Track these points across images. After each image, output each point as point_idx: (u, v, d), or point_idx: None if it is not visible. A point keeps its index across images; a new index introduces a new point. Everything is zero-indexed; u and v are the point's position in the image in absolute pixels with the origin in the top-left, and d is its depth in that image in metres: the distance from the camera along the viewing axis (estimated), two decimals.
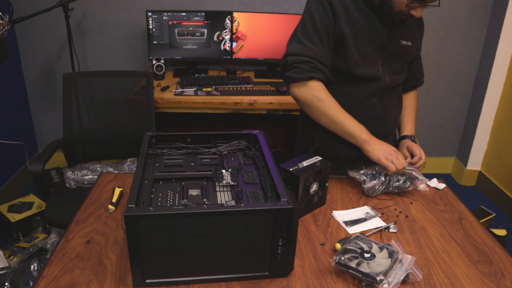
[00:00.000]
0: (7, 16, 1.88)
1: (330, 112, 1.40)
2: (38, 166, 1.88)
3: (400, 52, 1.48)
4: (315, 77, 1.38)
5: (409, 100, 1.68)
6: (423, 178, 1.48)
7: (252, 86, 2.64)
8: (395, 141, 1.67)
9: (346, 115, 1.41)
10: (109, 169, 2.16)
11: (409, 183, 1.43)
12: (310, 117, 1.47)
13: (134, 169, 1.32)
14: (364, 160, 1.48)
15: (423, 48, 3.14)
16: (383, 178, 1.41)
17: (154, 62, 2.70)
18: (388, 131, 1.58)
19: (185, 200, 1.02)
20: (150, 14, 2.70)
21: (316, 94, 1.39)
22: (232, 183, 1.11)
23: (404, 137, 1.62)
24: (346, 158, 1.51)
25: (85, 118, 2.21)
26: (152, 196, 1.05)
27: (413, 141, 1.59)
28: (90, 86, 2.21)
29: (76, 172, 2.10)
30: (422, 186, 1.49)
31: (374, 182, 1.40)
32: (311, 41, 1.37)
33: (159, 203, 1.02)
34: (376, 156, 1.39)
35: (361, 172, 1.43)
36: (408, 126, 1.64)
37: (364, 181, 1.40)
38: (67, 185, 2.08)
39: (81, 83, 2.18)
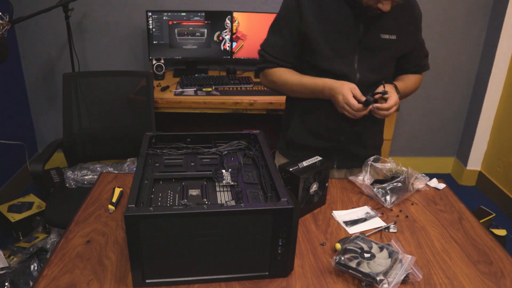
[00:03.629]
0: (7, 16, 1.88)
1: (287, 85, 1.46)
2: (38, 166, 1.88)
3: (380, 47, 1.42)
4: (267, 67, 1.48)
5: (409, 76, 1.60)
6: (421, 176, 1.47)
7: (252, 86, 2.64)
8: (375, 141, 1.61)
9: (302, 78, 1.44)
10: (109, 169, 2.16)
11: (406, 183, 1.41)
12: (286, 105, 1.61)
13: (134, 169, 1.32)
14: (336, 151, 1.53)
15: None
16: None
17: (154, 62, 2.70)
18: (359, 131, 1.51)
19: (185, 200, 1.02)
20: (150, 14, 2.70)
21: (270, 79, 1.49)
22: (232, 183, 1.11)
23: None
24: (318, 149, 1.49)
25: (85, 118, 2.21)
26: (152, 196, 1.05)
27: (395, 87, 1.46)
28: (90, 86, 2.21)
29: (76, 172, 2.10)
30: (421, 186, 1.49)
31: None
32: (272, 33, 1.47)
33: (159, 203, 1.02)
34: (333, 100, 1.39)
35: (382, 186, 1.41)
36: (397, 81, 1.53)
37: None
38: (67, 185, 2.08)
39: (81, 83, 2.18)
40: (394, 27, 1.42)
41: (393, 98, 1.36)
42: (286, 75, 1.46)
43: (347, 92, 1.34)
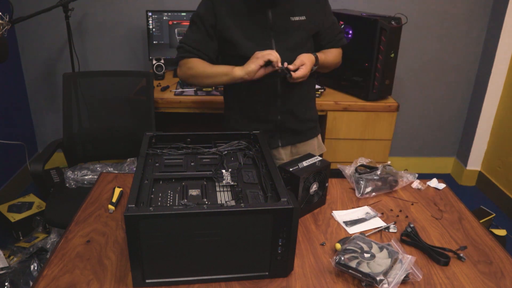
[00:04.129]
0: (7, 16, 1.88)
1: (201, 71, 1.55)
2: (38, 166, 1.88)
3: (292, 29, 1.54)
4: (186, 57, 1.57)
5: (329, 49, 1.69)
6: (405, 174, 1.49)
7: None
8: (309, 115, 1.72)
9: (215, 66, 1.55)
10: (109, 169, 2.16)
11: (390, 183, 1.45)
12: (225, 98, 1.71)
13: (134, 169, 1.32)
14: (277, 131, 1.64)
15: (423, 48, 3.13)
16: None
17: (154, 62, 2.70)
18: (292, 108, 1.63)
19: (185, 200, 1.02)
20: (150, 14, 2.70)
21: (187, 66, 1.57)
22: (232, 183, 1.11)
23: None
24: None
25: (85, 118, 2.21)
26: (152, 196, 1.05)
27: (315, 58, 1.57)
28: (90, 86, 2.21)
29: (76, 172, 2.10)
30: (406, 185, 1.49)
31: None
32: (190, 29, 1.59)
33: (159, 203, 1.02)
34: (243, 73, 1.46)
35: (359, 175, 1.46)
36: (319, 52, 1.64)
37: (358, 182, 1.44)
38: (67, 185, 2.08)
39: (81, 83, 2.18)
40: (303, 9, 1.55)
41: (301, 71, 1.48)
42: (203, 63, 1.56)
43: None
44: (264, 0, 1.50)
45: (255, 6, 1.51)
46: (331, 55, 1.68)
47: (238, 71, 1.47)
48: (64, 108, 2.14)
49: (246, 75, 1.45)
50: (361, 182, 1.42)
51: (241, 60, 1.52)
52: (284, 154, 1.69)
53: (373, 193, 1.43)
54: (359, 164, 1.50)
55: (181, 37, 2.77)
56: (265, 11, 1.51)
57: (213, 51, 1.59)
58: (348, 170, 1.50)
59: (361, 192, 1.42)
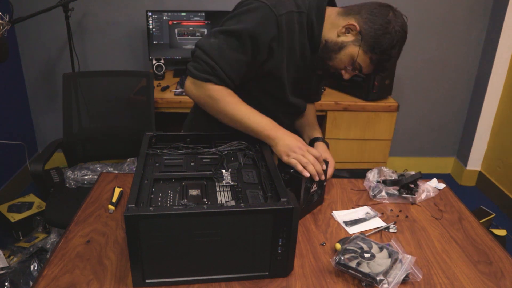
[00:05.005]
0: (7, 16, 1.88)
1: (228, 110, 1.26)
2: (38, 166, 1.88)
3: (313, 81, 1.49)
4: (213, 81, 1.24)
5: (312, 110, 1.65)
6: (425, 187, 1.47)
7: None
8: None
9: (246, 111, 1.26)
10: (109, 169, 2.16)
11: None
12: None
13: (134, 169, 1.32)
14: None
15: (423, 48, 3.14)
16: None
17: (154, 62, 2.70)
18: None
19: (185, 200, 1.02)
20: (150, 14, 2.70)
21: (210, 94, 1.25)
22: (232, 183, 1.11)
23: (317, 138, 1.48)
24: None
25: (85, 118, 2.21)
26: (152, 196, 1.05)
27: (327, 144, 1.47)
28: (90, 86, 2.21)
29: (76, 172, 2.10)
30: (423, 197, 1.47)
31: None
32: (231, 45, 1.21)
33: (159, 203, 1.02)
34: (279, 153, 1.23)
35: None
36: (318, 129, 1.54)
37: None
38: (67, 185, 2.08)
39: (81, 83, 2.18)
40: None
41: (331, 164, 1.36)
42: (231, 101, 1.27)
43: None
44: (317, 67, 1.38)
45: (307, 56, 1.33)
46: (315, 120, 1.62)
47: (271, 141, 1.25)
48: (64, 108, 2.14)
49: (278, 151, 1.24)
50: (379, 188, 1.42)
51: (274, 99, 1.38)
52: None
53: (386, 200, 1.42)
54: (384, 174, 1.47)
55: (181, 37, 2.77)
56: (308, 68, 1.37)
57: (242, 79, 1.30)
58: (372, 176, 1.48)
59: (375, 194, 1.41)
